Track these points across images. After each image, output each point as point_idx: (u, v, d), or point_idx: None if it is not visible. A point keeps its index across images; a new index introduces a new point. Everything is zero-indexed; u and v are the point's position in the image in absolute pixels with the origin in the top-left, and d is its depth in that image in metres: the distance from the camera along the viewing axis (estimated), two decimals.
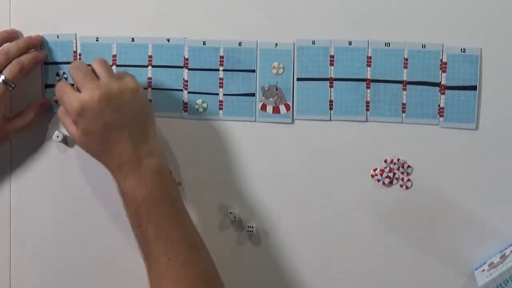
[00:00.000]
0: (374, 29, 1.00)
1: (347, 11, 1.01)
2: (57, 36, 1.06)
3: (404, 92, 1.01)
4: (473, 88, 0.99)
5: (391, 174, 1.02)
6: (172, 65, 1.05)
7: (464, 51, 0.99)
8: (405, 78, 1.00)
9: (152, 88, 1.06)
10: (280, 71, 1.03)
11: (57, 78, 1.07)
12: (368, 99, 1.01)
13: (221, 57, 1.04)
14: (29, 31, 1.06)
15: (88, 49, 1.06)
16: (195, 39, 1.04)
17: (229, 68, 1.04)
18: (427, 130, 1.01)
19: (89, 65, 0.99)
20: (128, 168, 0.94)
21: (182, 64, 1.05)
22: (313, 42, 1.02)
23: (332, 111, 1.02)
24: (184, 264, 0.92)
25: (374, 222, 1.03)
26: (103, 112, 0.93)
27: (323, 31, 1.01)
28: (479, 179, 1.00)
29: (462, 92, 0.99)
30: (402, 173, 1.01)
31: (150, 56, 1.05)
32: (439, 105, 1.00)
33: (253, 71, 1.03)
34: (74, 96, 0.95)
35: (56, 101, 1.07)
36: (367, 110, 1.02)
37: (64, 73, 1.07)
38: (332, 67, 1.02)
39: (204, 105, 1.05)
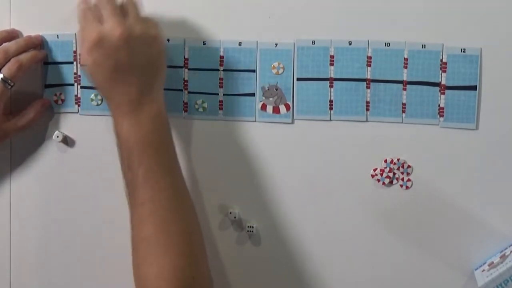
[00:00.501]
0: (374, 29, 1.00)
1: (347, 11, 1.01)
2: (57, 36, 1.06)
3: (404, 92, 1.01)
4: (473, 88, 0.99)
5: (391, 174, 1.02)
6: (172, 65, 1.05)
7: (464, 51, 0.99)
8: (405, 78, 1.00)
9: None
10: (280, 71, 1.03)
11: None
12: (368, 99, 1.01)
13: (221, 57, 1.04)
14: (29, 31, 1.06)
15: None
16: (195, 39, 1.04)
17: (229, 68, 1.04)
18: (427, 130, 1.01)
19: None
20: (128, 109, 0.94)
21: (182, 64, 1.05)
22: (313, 42, 1.02)
23: (332, 111, 1.02)
24: (167, 211, 0.93)
25: (374, 222, 1.03)
26: (119, 50, 0.93)
27: (323, 31, 1.01)
28: (479, 179, 1.00)
29: (462, 92, 0.99)
30: (402, 173, 1.01)
31: None
32: (439, 105, 1.00)
33: (253, 71, 1.03)
34: (95, 26, 0.94)
35: (56, 101, 1.07)
36: (367, 110, 1.02)
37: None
38: (332, 67, 1.02)
39: (204, 105, 1.05)
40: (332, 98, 1.02)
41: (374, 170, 1.02)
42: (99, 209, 1.08)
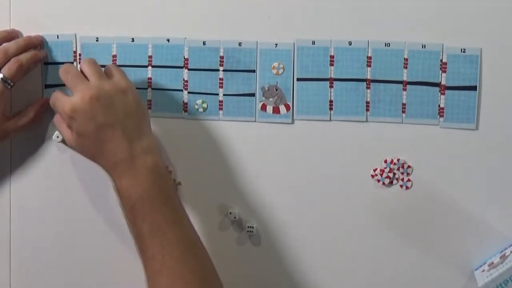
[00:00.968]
0: (374, 29, 1.00)
1: (347, 11, 1.01)
2: (57, 36, 1.06)
3: (404, 92, 1.01)
4: (473, 88, 0.99)
5: (391, 174, 1.02)
6: (172, 65, 1.05)
7: (464, 51, 0.99)
8: (405, 78, 1.00)
9: (152, 88, 1.06)
10: (280, 71, 1.03)
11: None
12: (368, 99, 1.01)
13: (221, 57, 1.04)
14: (29, 31, 1.06)
15: (88, 49, 1.06)
16: (195, 39, 1.04)
17: (229, 68, 1.04)
18: (427, 130, 1.01)
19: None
20: (123, 167, 0.94)
21: (182, 64, 1.05)
22: (313, 42, 1.02)
23: (332, 111, 1.02)
24: (179, 262, 0.92)
25: (374, 222, 1.03)
26: (95, 112, 0.94)
27: (323, 31, 1.01)
28: (479, 179, 1.00)
29: (462, 92, 0.99)
30: (402, 173, 1.01)
31: (150, 56, 1.05)
32: (439, 105, 1.00)
33: (253, 71, 1.03)
34: (65, 100, 0.96)
35: None
36: (367, 110, 1.02)
37: None
38: (332, 67, 1.02)
39: (204, 105, 1.05)
40: (332, 98, 1.02)
41: (374, 170, 1.02)
42: (99, 209, 1.08)
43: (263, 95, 1.04)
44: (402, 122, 1.01)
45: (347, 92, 1.02)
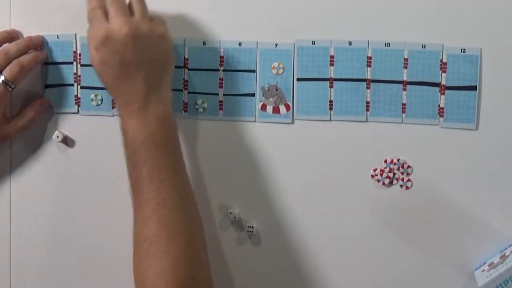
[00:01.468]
0: (374, 29, 1.00)
1: (347, 11, 1.01)
2: (57, 36, 1.06)
3: (404, 92, 1.01)
4: (473, 88, 0.99)
5: (391, 174, 1.02)
6: None
7: (464, 51, 0.99)
8: (405, 78, 1.00)
9: None
10: (280, 71, 1.03)
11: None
12: (368, 99, 1.01)
13: (221, 57, 1.04)
14: (29, 31, 1.06)
15: (88, 49, 1.06)
16: (195, 39, 1.04)
17: (229, 68, 1.04)
18: (427, 130, 1.01)
19: None
20: (135, 107, 0.95)
21: (182, 64, 1.05)
22: (313, 42, 1.02)
23: (332, 111, 1.02)
24: (171, 212, 0.93)
25: (374, 222, 1.03)
26: (125, 48, 0.94)
27: (323, 31, 1.01)
28: (479, 179, 1.00)
29: (462, 92, 0.99)
30: (402, 173, 1.01)
31: None
32: (439, 105, 1.00)
33: (253, 71, 1.03)
34: (102, 23, 0.95)
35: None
36: (367, 110, 1.02)
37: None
38: (332, 67, 1.02)
39: (204, 105, 1.05)
40: (332, 98, 1.02)
41: (374, 170, 1.02)
42: (99, 209, 1.08)
43: (263, 95, 1.04)
44: (402, 122, 1.01)
45: (347, 92, 1.02)
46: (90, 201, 1.08)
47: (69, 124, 1.08)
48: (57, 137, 1.07)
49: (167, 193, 0.93)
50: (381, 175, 1.02)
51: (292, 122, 1.04)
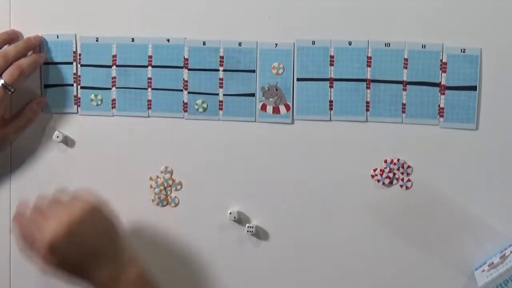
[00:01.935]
0: (374, 29, 1.00)
1: (347, 11, 1.01)
2: (57, 36, 1.06)
3: (404, 92, 1.01)
4: (473, 88, 0.99)
5: (391, 174, 1.02)
6: (172, 65, 1.05)
7: (464, 51, 0.99)
8: (405, 78, 1.00)
9: (152, 88, 1.05)
10: (280, 71, 1.03)
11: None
12: (368, 99, 1.01)
13: (221, 57, 1.04)
14: (29, 31, 1.06)
15: (88, 49, 1.06)
16: (195, 39, 1.04)
17: (229, 68, 1.04)
18: (427, 130, 1.01)
19: None
20: (110, 285, 0.92)
21: (182, 64, 1.05)
22: (313, 42, 1.02)
23: (332, 111, 1.02)
24: None
25: (374, 222, 1.03)
26: (74, 246, 0.91)
27: (323, 31, 1.01)
28: (479, 179, 1.00)
29: (462, 92, 0.99)
30: (402, 173, 1.01)
31: (150, 56, 1.05)
32: (439, 105, 1.00)
33: (253, 71, 1.03)
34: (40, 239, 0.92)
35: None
36: (367, 110, 1.02)
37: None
38: (332, 67, 1.02)
39: (204, 105, 1.05)
40: (332, 98, 1.02)
41: (374, 170, 1.02)
42: None
43: (263, 95, 1.04)
44: (402, 122, 1.01)
45: (347, 92, 1.02)
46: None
47: (69, 124, 1.08)
48: (57, 137, 1.07)
49: None
50: (381, 175, 1.02)
51: (292, 122, 1.04)
